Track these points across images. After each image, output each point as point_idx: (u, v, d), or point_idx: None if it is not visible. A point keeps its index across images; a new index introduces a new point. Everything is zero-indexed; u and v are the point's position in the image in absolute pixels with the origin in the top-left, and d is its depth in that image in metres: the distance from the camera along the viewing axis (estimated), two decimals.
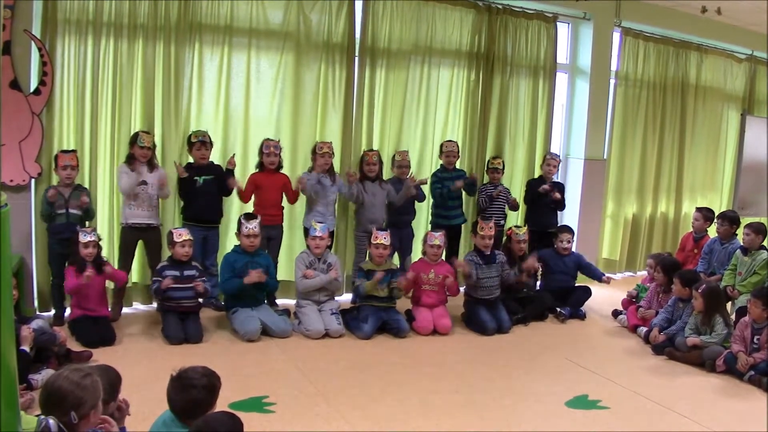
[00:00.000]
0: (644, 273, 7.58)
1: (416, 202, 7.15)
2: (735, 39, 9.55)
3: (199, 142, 6.21)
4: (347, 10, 6.89)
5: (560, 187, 7.82)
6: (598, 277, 7.15)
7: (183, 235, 5.79)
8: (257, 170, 6.51)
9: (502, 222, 7.44)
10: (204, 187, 6.23)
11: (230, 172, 6.34)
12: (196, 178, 6.21)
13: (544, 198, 7.58)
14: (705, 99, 9.58)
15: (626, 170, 8.96)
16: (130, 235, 6.09)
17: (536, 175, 8.00)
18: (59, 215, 5.70)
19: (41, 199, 5.75)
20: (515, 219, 7.94)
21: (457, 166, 7.46)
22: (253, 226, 5.95)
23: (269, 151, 6.40)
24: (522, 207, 7.89)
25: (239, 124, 6.66)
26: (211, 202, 6.32)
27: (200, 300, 5.86)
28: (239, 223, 6.03)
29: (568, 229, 7.30)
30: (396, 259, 6.90)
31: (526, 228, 7.10)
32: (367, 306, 6.16)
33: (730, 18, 8.90)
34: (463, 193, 7.46)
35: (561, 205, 7.77)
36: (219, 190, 6.36)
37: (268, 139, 6.49)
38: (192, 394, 3.00)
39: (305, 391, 4.72)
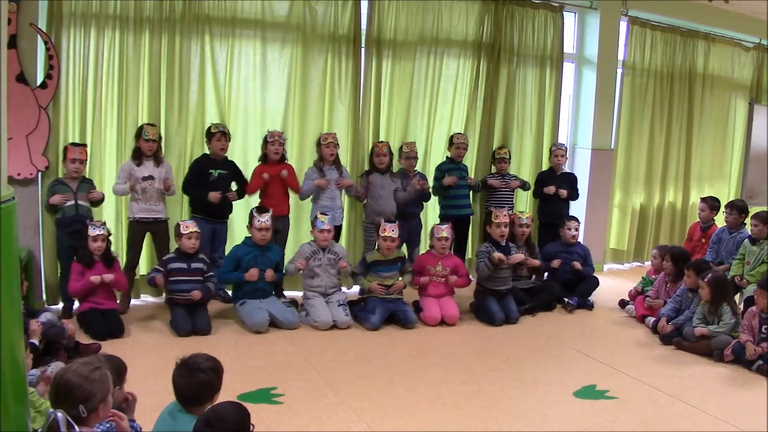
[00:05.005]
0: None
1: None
2: (742, 27, 9.50)
3: (220, 132, 6.20)
4: (353, 2, 6.87)
5: (572, 178, 7.81)
6: (589, 274, 7.16)
7: (190, 227, 5.79)
8: (260, 163, 6.50)
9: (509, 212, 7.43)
10: (218, 181, 6.23)
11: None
12: (210, 171, 6.22)
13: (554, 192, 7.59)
14: (712, 88, 9.54)
15: (634, 160, 8.93)
16: (137, 229, 6.10)
17: (544, 166, 8.00)
18: (68, 207, 5.73)
19: (47, 190, 5.78)
20: (524, 206, 7.94)
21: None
22: (265, 219, 5.95)
23: (273, 140, 6.38)
24: (530, 197, 7.91)
25: (245, 116, 6.67)
26: (223, 196, 6.30)
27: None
28: (251, 216, 6.02)
29: (574, 218, 7.29)
30: (404, 250, 6.90)
31: (529, 213, 7.12)
32: (374, 297, 6.17)
33: (738, 6, 8.85)
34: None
35: (574, 195, 7.76)
36: (232, 186, 6.37)
37: (272, 130, 6.49)
38: (200, 377, 3.04)
39: (313, 382, 4.74)
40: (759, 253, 6.50)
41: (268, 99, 6.74)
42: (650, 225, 9.24)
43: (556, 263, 7.01)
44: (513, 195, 7.60)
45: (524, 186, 7.66)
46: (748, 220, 6.89)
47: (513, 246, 6.59)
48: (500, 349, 5.68)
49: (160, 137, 6.13)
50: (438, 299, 6.34)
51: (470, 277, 6.65)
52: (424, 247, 7.01)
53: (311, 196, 6.63)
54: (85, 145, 5.88)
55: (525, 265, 6.79)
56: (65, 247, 5.78)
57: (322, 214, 6.23)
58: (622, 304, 7.00)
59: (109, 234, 5.63)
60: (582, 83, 8.57)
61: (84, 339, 5.14)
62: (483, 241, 7.08)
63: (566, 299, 6.85)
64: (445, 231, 6.41)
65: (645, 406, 4.62)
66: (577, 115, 8.63)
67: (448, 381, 4.88)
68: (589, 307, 6.95)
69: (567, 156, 7.96)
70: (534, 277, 7.07)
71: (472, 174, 7.56)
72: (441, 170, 7.29)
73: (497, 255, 6.30)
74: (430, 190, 7.20)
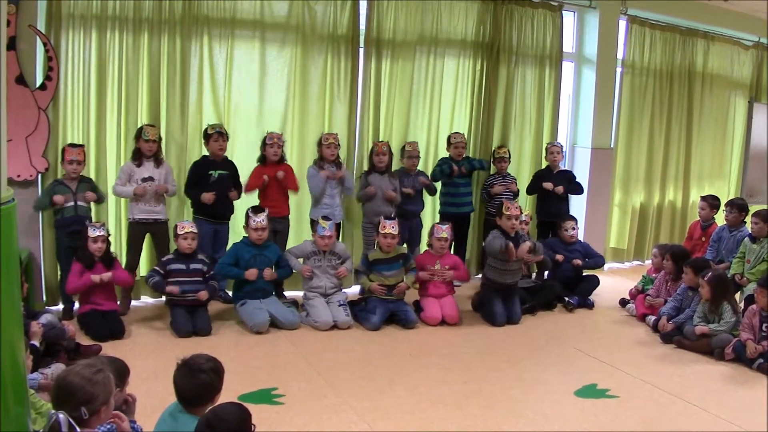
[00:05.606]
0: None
1: (426, 193, 7.18)
2: (741, 26, 9.49)
3: (217, 133, 6.20)
4: (352, 2, 6.87)
5: (570, 176, 7.80)
6: (599, 265, 7.15)
7: (186, 227, 5.80)
8: (259, 164, 6.49)
9: None
10: (218, 182, 6.23)
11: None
12: (210, 172, 6.21)
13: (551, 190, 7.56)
14: (712, 86, 9.52)
15: (633, 159, 8.92)
16: (137, 230, 6.10)
17: (544, 165, 7.98)
18: (67, 208, 5.72)
19: (45, 191, 5.79)
20: (523, 204, 7.90)
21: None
22: (261, 219, 5.95)
23: (272, 142, 6.38)
24: (524, 195, 7.89)
25: (245, 117, 6.67)
26: (223, 197, 6.27)
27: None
28: (247, 217, 6.02)
29: (570, 217, 7.29)
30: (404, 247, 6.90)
31: (528, 210, 7.10)
32: (374, 297, 6.17)
33: (737, 5, 8.85)
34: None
35: (577, 190, 7.72)
36: (233, 186, 6.36)
37: (271, 132, 6.49)
38: (201, 378, 3.05)
39: (314, 383, 4.74)
40: (759, 251, 6.50)
41: (268, 99, 6.73)
42: (650, 224, 9.23)
43: (559, 257, 6.99)
44: (511, 193, 7.56)
45: (516, 194, 7.65)
46: (748, 219, 6.89)
47: (523, 235, 6.51)
48: (501, 348, 5.68)
49: (160, 138, 6.13)
50: (438, 299, 6.33)
51: (469, 272, 6.64)
52: (424, 247, 7.00)
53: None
54: (82, 146, 5.86)
55: (528, 262, 6.76)
56: (64, 247, 5.77)
57: (323, 218, 6.22)
58: (623, 303, 6.99)
59: (109, 235, 5.63)
60: (581, 82, 8.56)
61: (84, 340, 5.14)
62: (484, 240, 7.08)
63: (567, 298, 6.85)
64: (445, 231, 6.41)
65: (646, 404, 4.63)
66: (576, 115, 8.62)
67: (449, 381, 4.88)
68: (590, 306, 6.95)
69: (563, 154, 7.95)
70: (534, 275, 7.06)
71: (473, 175, 7.54)
72: (444, 163, 7.32)
73: (511, 246, 6.18)
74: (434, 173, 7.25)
